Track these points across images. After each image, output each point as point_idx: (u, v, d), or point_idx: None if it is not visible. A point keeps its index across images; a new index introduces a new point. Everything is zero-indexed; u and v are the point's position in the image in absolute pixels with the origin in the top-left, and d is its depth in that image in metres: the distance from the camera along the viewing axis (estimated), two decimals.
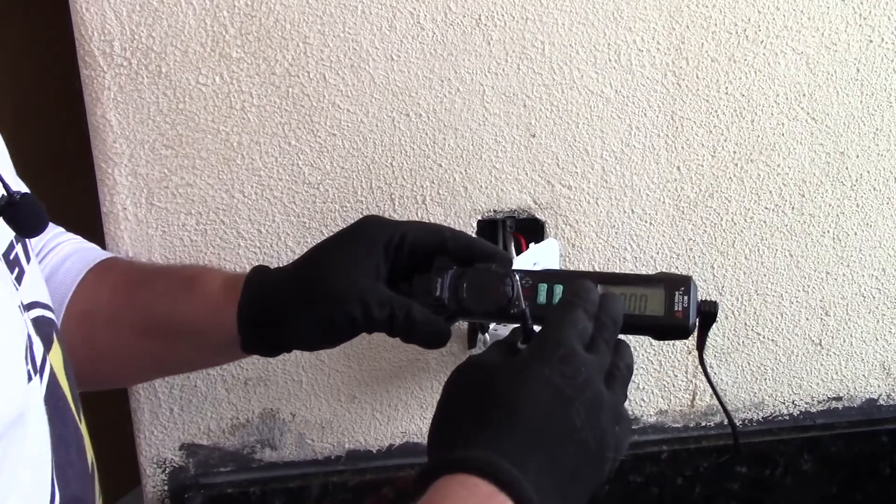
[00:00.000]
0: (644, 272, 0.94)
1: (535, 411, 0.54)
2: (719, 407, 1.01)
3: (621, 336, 0.63)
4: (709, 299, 0.68)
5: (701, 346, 0.69)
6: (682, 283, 0.66)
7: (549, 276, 0.69)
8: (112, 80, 0.81)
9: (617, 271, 0.93)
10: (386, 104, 0.86)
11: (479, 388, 0.57)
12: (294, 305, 0.68)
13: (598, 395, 0.57)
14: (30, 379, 0.52)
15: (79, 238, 0.77)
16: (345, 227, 0.72)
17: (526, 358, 0.58)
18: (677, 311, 0.65)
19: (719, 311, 0.69)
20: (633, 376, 0.84)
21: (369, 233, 0.70)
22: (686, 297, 0.65)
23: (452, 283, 0.68)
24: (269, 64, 0.83)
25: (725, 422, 1.02)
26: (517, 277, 0.68)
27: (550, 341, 0.58)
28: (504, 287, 0.66)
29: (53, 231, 0.75)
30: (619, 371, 0.60)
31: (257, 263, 0.77)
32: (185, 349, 0.73)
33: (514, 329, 0.64)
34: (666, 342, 0.98)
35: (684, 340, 0.98)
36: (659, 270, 0.94)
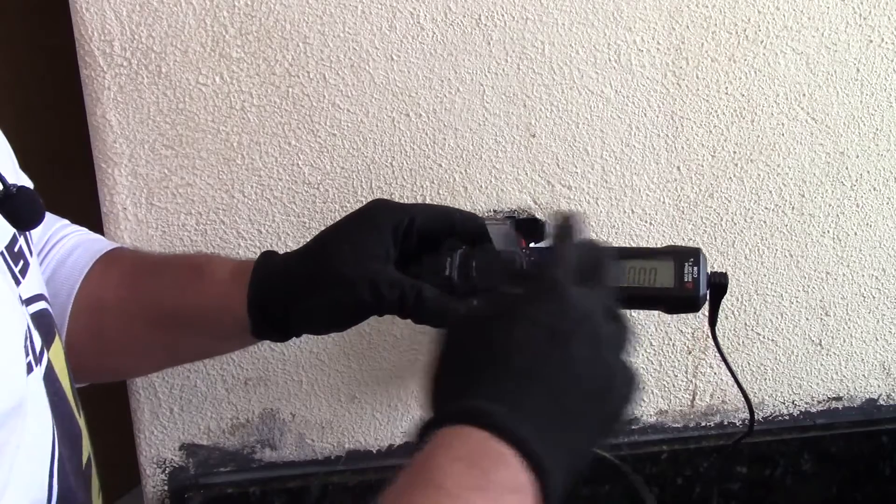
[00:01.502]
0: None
1: (524, 353, 0.52)
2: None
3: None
4: (719, 271, 0.67)
5: (713, 320, 0.69)
6: (691, 254, 0.66)
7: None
8: (112, 80, 0.81)
9: (625, 245, 0.92)
10: (386, 104, 0.86)
11: (465, 340, 0.56)
12: (304, 289, 0.68)
13: (595, 327, 0.54)
14: (30, 370, 0.53)
15: (84, 230, 0.77)
16: (353, 210, 0.72)
17: (510, 302, 0.55)
18: (687, 282, 0.65)
19: (719, 312, 0.68)
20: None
21: (378, 216, 0.70)
22: (696, 269, 0.65)
23: (462, 263, 0.68)
24: (269, 64, 0.83)
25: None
26: (525, 254, 0.67)
27: (535, 281, 0.56)
28: (513, 265, 0.66)
29: (58, 223, 0.75)
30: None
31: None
32: (195, 338, 0.73)
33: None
34: (666, 345, 0.98)
35: (685, 342, 0.98)
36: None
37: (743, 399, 0.79)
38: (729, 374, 0.73)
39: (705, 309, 0.67)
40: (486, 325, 0.55)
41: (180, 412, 0.92)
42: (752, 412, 0.76)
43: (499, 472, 0.48)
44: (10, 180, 0.55)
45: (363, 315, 0.69)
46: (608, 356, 0.54)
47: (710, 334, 0.73)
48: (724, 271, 0.67)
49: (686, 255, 0.66)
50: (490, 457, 0.49)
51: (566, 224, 0.60)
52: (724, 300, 0.69)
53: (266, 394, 0.93)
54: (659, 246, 0.87)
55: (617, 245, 0.91)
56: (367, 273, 0.67)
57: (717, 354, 0.76)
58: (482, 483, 0.47)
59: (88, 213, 0.86)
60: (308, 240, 0.72)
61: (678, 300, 0.65)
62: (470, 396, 0.52)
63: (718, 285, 0.66)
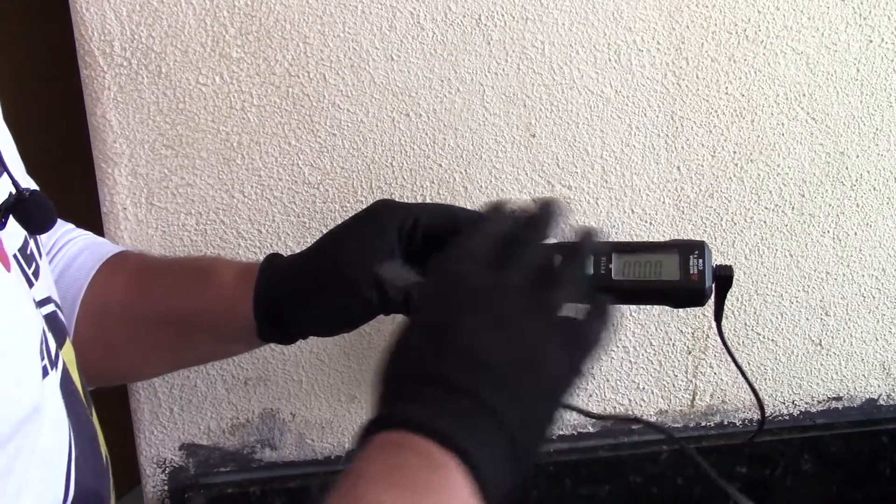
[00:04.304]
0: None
1: (422, 352, 0.54)
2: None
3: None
4: (724, 263, 0.66)
5: (719, 315, 0.68)
6: (695, 247, 0.65)
7: (564, 247, 0.68)
8: (112, 80, 0.81)
9: (630, 240, 0.92)
10: (386, 104, 0.86)
11: (388, 361, 0.57)
12: (310, 291, 0.68)
13: (497, 302, 0.55)
14: (45, 374, 0.53)
15: (89, 233, 0.77)
16: (357, 211, 0.72)
17: (415, 315, 0.58)
18: (692, 274, 0.64)
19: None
20: (630, 363, 0.83)
21: (382, 216, 0.70)
22: (701, 261, 0.64)
23: None
24: (269, 64, 0.83)
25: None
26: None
27: (433, 279, 0.59)
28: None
29: (64, 227, 0.75)
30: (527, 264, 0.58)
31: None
32: (200, 341, 0.73)
33: None
34: (666, 345, 0.98)
35: (685, 342, 0.98)
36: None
37: (745, 397, 0.78)
38: (737, 369, 0.72)
39: (710, 305, 0.67)
40: (401, 342, 0.56)
41: (180, 412, 0.92)
42: (761, 406, 0.75)
43: (412, 457, 0.49)
44: (21, 184, 0.55)
45: (369, 315, 0.69)
46: (528, 323, 0.54)
47: (710, 334, 0.73)
48: (729, 264, 0.66)
49: (691, 248, 0.65)
50: (402, 444, 0.49)
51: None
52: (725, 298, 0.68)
53: (266, 394, 0.93)
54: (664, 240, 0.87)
55: (623, 240, 0.91)
56: (372, 273, 0.67)
57: (719, 353, 0.76)
58: (397, 462, 0.48)
59: (88, 213, 0.86)
60: (308, 240, 0.72)
61: (684, 293, 0.64)
62: (387, 405, 0.53)
63: (724, 277, 0.65)
